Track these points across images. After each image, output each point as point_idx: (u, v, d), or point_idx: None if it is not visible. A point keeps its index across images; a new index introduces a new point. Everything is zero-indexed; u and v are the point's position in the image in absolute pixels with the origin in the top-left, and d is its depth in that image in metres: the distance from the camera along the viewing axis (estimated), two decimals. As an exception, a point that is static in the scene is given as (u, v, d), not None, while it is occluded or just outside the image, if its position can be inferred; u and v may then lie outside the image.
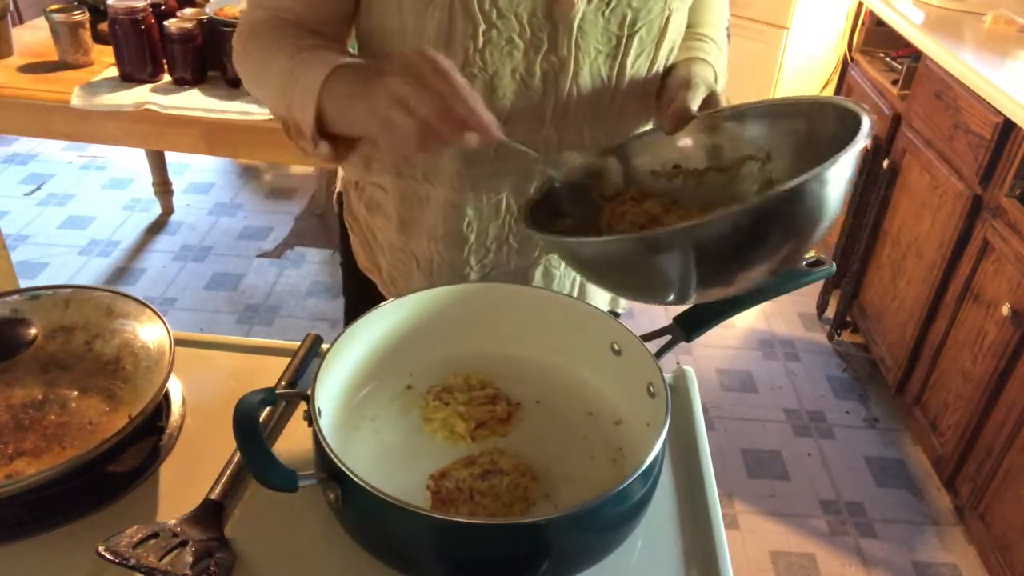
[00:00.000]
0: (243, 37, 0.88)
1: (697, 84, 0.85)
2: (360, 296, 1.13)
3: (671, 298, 0.76)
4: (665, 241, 0.67)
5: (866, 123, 0.68)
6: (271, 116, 1.73)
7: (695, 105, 0.83)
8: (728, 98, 0.99)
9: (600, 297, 1.08)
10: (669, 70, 0.93)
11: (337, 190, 1.13)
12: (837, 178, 0.64)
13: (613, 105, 0.91)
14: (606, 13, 0.84)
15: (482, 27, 0.81)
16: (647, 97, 0.94)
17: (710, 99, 0.85)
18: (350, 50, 0.88)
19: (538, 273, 1.01)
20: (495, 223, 0.97)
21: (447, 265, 1.00)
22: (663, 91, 0.92)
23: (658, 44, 0.89)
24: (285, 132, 0.86)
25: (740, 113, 0.84)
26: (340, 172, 1.11)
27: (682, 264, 0.67)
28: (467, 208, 0.95)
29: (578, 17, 0.83)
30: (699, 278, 0.69)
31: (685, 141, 0.87)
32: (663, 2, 0.86)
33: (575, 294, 1.04)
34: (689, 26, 0.95)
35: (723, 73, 0.98)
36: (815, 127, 0.79)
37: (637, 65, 0.89)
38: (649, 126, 0.98)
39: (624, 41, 0.87)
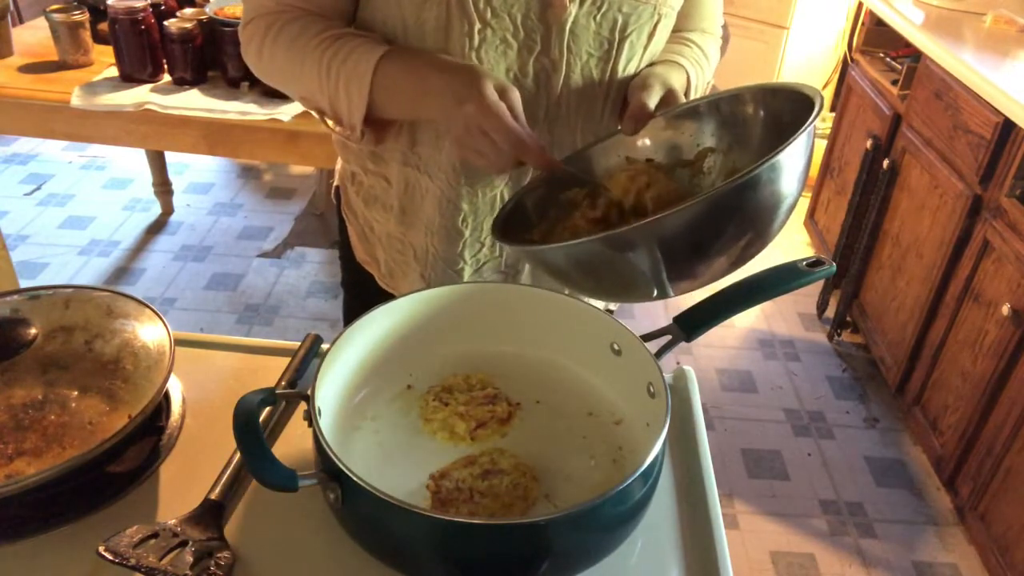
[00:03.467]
0: (256, 37, 0.87)
1: (652, 84, 0.86)
2: (358, 289, 1.14)
3: (640, 295, 0.77)
4: (624, 239, 0.68)
5: (816, 106, 0.70)
6: (270, 116, 1.74)
7: (652, 104, 0.84)
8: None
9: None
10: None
11: (335, 184, 1.13)
12: (789, 165, 0.66)
13: (605, 106, 0.92)
14: (597, 17, 0.85)
15: (477, 25, 0.82)
16: None
17: (667, 97, 0.86)
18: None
19: (527, 268, 1.02)
20: (490, 218, 0.97)
21: (441, 259, 1.00)
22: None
23: (647, 48, 0.91)
24: (321, 120, 0.88)
25: (696, 108, 0.86)
26: (337, 166, 1.12)
27: (644, 261, 0.68)
28: (462, 203, 0.96)
29: (570, 20, 0.84)
30: (663, 273, 0.70)
31: (645, 141, 0.88)
32: (653, 7, 0.87)
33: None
34: (677, 30, 0.96)
35: (703, 76, 0.98)
36: (772, 113, 0.80)
37: (628, 68, 0.91)
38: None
39: (616, 45, 0.88)
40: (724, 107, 0.84)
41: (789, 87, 0.78)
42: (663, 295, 0.74)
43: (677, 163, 0.87)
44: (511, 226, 0.84)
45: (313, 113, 0.90)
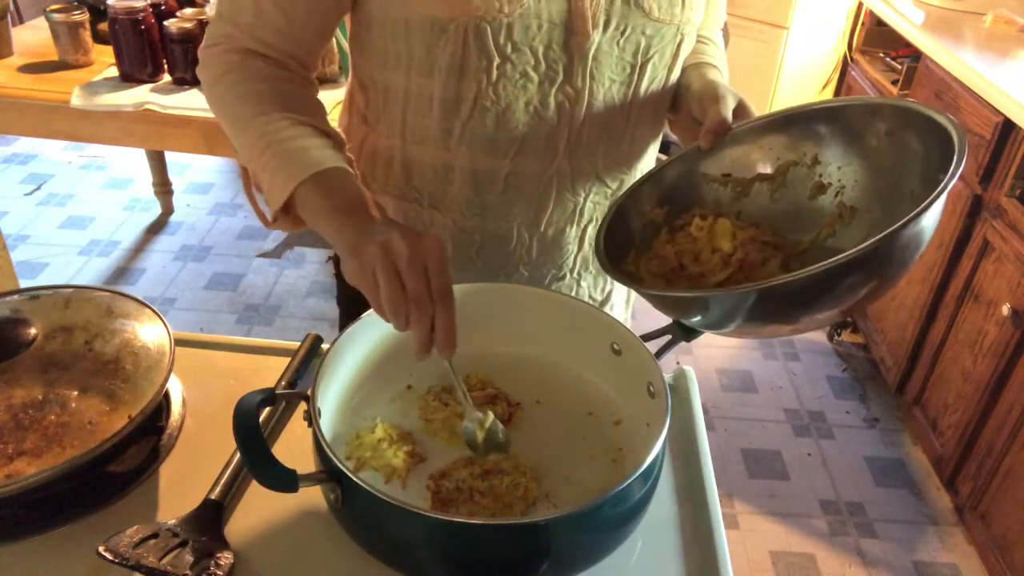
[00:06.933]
0: (215, 68, 0.83)
1: (724, 95, 0.84)
2: (356, 308, 1.12)
3: (727, 329, 0.77)
4: (767, 292, 0.67)
5: (956, 136, 0.67)
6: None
7: (730, 116, 0.83)
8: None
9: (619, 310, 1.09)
10: (679, 78, 0.92)
11: None
12: (935, 214, 0.64)
13: (626, 131, 0.91)
14: (621, 42, 0.83)
15: (496, 61, 0.80)
16: (658, 120, 0.94)
17: (739, 109, 0.85)
18: (323, 123, 0.83)
19: None
20: (505, 250, 0.95)
21: None
22: (683, 104, 0.91)
23: (670, 69, 0.89)
24: (243, 178, 0.85)
25: (775, 121, 0.84)
26: None
27: (796, 305, 0.68)
28: (476, 234, 0.94)
29: (593, 48, 0.82)
30: (812, 315, 0.70)
31: (719, 155, 0.87)
32: (675, 28, 0.85)
33: None
34: None
35: (725, 72, 0.98)
36: (860, 128, 0.79)
37: (651, 91, 0.89)
38: (656, 144, 0.98)
39: (638, 69, 0.86)
40: (806, 120, 0.83)
41: (893, 104, 0.76)
42: (792, 334, 0.75)
43: (755, 177, 0.86)
44: (611, 240, 0.83)
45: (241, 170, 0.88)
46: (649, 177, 0.89)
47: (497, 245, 0.95)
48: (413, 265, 0.66)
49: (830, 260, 0.62)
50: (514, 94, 0.83)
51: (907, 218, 0.61)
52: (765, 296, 0.67)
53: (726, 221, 0.83)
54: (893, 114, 0.77)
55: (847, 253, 0.62)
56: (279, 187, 0.76)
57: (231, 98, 0.82)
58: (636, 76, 0.87)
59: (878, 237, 0.61)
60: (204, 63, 0.85)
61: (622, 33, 0.83)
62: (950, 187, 0.63)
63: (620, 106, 0.88)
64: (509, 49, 0.80)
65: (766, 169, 0.86)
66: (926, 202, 0.62)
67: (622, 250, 0.85)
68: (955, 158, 0.65)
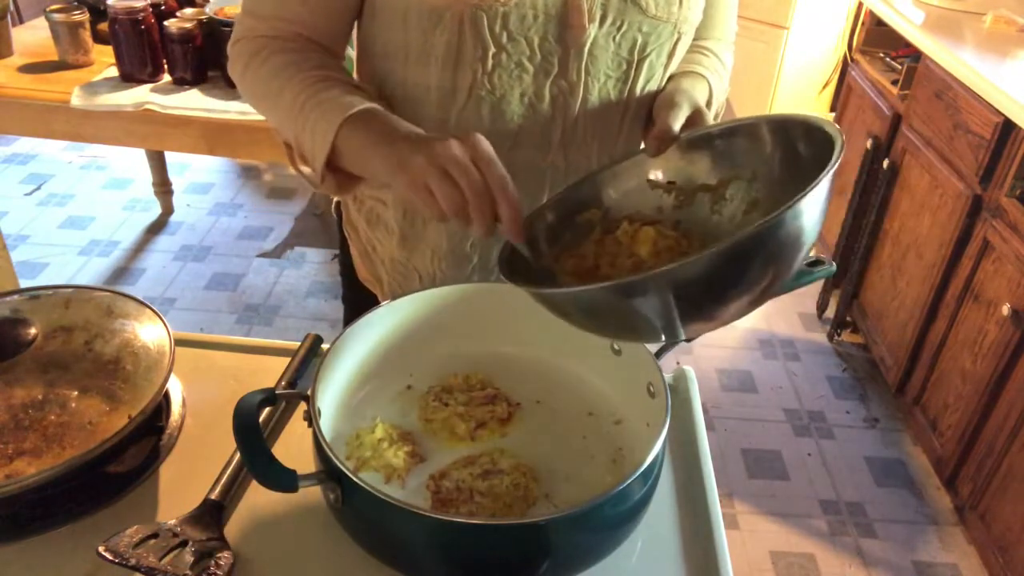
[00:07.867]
0: (243, 56, 0.86)
1: (680, 103, 0.83)
2: (360, 305, 1.12)
3: (648, 338, 0.75)
4: (637, 287, 0.65)
5: (838, 147, 0.67)
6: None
7: (677, 125, 0.82)
8: (719, 111, 0.98)
9: None
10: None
11: (335, 199, 1.12)
12: (810, 208, 0.64)
13: (622, 128, 0.90)
14: (616, 38, 0.83)
15: (492, 50, 0.80)
16: None
17: (694, 117, 0.84)
18: (356, 80, 0.85)
19: None
20: (499, 244, 0.96)
21: (450, 282, 0.99)
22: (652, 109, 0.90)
23: (667, 68, 0.89)
24: (288, 156, 0.86)
25: (721, 132, 0.83)
26: None
27: (658, 307, 0.67)
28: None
29: (589, 41, 0.82)
30: (677, 318, 0.68)
31: (666, 161, 0.85)
32: (672, 26, 0.85)
33: None
34: (693, 38, 0.94)
35: (722, 87, 0.96)
36: (791, 144, 0.77)
37: (647, 89, 0.89)
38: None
39: (635, 65, 0.86)
40: (745, 134, 0.82)
41: (809, 121, 0.76)
42: (673, 339, 0.73)
43: (699, 187, 0.85)
44: (519, 255, 0.80)
45: (283, 148, 0.88)
46: (594, 176, 0.87)
47: (491, 239, 0.95)
48: (462, 161, 0.67)
49: (671, 263, 0.61)
50: (509, 84, 0.83)
51: (747, 232, 0.60)
52: (620, 294, 0.65)
53: (650, 229, 0.81)
54: (810, 132, 0.75)
55: (714, 245, 0.61)
56: (320, 141, 0.77)
57: (261, 78, 0.84)
58: (632, 73, 0.87)
59: (748, 230, 0.61)
60: (232, 58, 0.87)
61: (618, 29, 0.83)
62: (821, 184, 0.62)
63: (616, 103, 0.88)
64: (504, 39, 0.80)
65: (710, 180, 0.84)
66: (777, 212, 0.61)
67: (537, 255, 0.82)
68: (834, 155, 0.65)
